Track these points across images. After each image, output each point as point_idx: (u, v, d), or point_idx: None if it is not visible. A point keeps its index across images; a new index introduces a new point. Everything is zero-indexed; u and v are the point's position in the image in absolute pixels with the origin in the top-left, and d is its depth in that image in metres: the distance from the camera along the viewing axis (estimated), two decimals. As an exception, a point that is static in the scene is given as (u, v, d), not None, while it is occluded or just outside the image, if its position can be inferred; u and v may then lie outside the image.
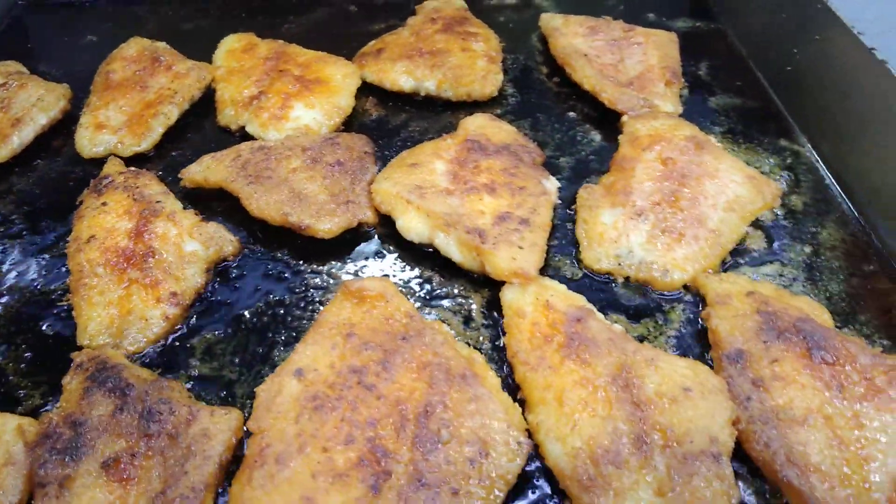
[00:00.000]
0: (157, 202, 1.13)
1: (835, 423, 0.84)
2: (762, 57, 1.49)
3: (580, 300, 0.99)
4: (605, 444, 0.83)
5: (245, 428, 0.87)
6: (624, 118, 1.32)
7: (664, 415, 0.85)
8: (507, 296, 1.01)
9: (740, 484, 0.84)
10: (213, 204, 1.21)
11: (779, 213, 1.17)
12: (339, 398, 0.86)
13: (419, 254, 1.13)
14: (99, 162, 1.27)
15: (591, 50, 1.47)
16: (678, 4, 1.70)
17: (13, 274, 1.10)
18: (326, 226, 1.12)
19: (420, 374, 0.89)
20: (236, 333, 1.02)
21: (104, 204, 1.13)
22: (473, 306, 1.05)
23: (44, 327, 1.03)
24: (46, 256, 1.13)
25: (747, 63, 1.51)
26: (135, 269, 1.04)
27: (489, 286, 1.06)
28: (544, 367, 0.91)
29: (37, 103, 1.34)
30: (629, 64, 1.45)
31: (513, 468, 0.82)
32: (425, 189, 1.14)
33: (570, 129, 1.37)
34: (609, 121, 1.35)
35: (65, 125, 1.38)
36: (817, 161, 1.27)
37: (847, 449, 0.82)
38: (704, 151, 1.20)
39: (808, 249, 1.12)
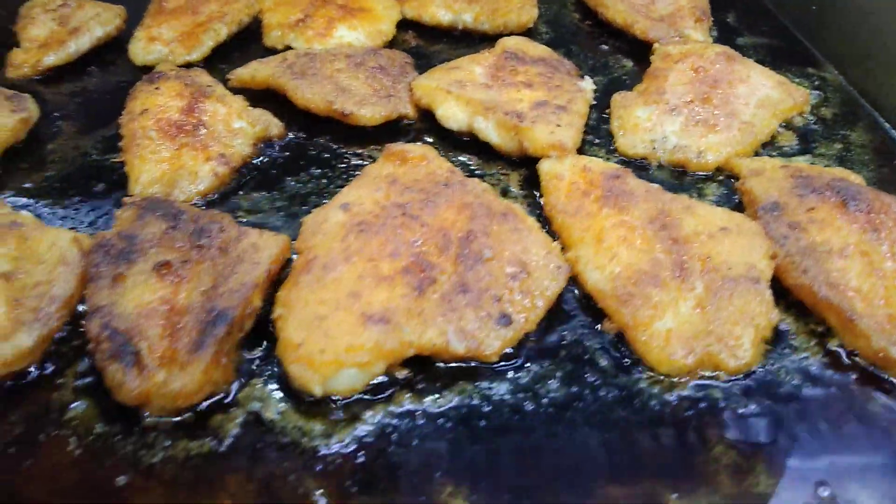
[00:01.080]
0: (208, 86, 1.18)
1: (871, 257, 0.85)
2: (787, 4, 1.54)
3: (616, 165, 1.02)
4: (645, 268, 0.85)
5: (292, 249, 0.89)
6: (655, 45, 1.36)
7: (703, 248, 0.87)
8: (545, 166, 1.04)
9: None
10: (258, 102, 1.25)
11: (810, 118, 1.20)
12: (384, 224, 0.88)
13: (457, 143, 1.16)
14: (150, 71, 1.32)
15: (622, -8, 1.53)
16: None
17: (70, 144, 1.14)
18: (368, 112, 1.16)
19: (462, 211, 0.91)
20: (281, 196, 1.05)
21: (157, 88, 1.17)
22: (510, 182, 1.08)
23: (97, 187, 1.06)
24: (99, 133, 1.17)
25: (772, 12, 1.57)
26: (186, 136, 1.08)
27: (526, 166, 1.09)
28: (582, 214, 0.94)
29: (94, 17, 1.41)
30: (660, 5, 1.50)
31: (553, 287, 0.84)
32: (465, 83, 1.18)
33: (603, 57, 1.42)
34: (641, 52, 1.39)
35: (118, 45, 1.43)
36: (844, 83, 1.31)
37: (885, 276, 0.83)
38: (735, 62, 1.24)
39: (838, 146, 1.14)
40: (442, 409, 0.74)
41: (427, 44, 1.47)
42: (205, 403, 0.74)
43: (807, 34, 1.46)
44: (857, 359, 0.80)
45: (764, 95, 1.16)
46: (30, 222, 0.89)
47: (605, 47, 1.45)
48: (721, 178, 1.08)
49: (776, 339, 0.82)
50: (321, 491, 0.67)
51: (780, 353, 0.81)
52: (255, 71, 1.25)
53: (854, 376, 0.78)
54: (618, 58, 1.42)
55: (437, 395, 0.76)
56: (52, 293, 0.79)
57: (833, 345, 0.82)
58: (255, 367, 0.79)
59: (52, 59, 1.33)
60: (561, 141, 1.05)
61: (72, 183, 1.06)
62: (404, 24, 1.50)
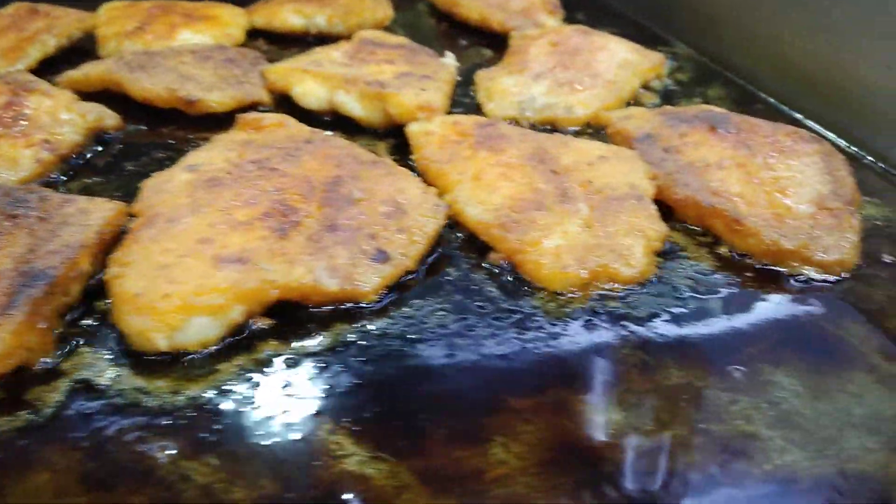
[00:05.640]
0: (31, 83, 1.05)
1: (748, 168, 0.84)
2: (632, 2, 1.61)
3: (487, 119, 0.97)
4: (527, 197, 0.79)
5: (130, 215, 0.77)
6: (513, 33, 1.36)
7: (583, 174, 0.83)
8: (414, 127, 0.98)
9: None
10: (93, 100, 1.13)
11: (668, 81, 1.22)
12: (238, 178, 0.78)
13: (319, 124, 1.08)
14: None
15: (475, -6, 1.54)
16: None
17: None
18: (217, 97, 1.07)
19: (327, 161, 0.83)
20: (118, 178, 0.93)
21: (-31, 88, 1.03)
22: (379, 151, 1.01)
23: None
24: None
25: (619, 9, 1.62)
26: (2, 128, 0.94)
27: (394, 136, 1.03)
28: (458, 160, 0.88)
29: None
30: (513, 2, 1.52)
31: (432, 224, 0.76)
32: (322, 62, 1.12)
33: (463, 50, 1.40)
34: (499, 43, 1.39)
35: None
36: (695, 54, 1.35)
37: (763, 183, 0.82)
38: (592, 34, 1.25)
39: (698, 100, 1.16)
40: (314, 349, 0.64)
41: (280, 48, 1.40)
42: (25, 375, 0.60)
43: (656, 23, 1.51)
44: (747, 260, 0.77)
45: (623, 58, 1.17)
46: None
47: (463, 42, 1.45)
48: (590, 131, 1.05)
49: (667, 253, 0.78)
50: (167, 446, 0.54)
51: (671, 264, 0.77)
52: (87, 70, 1.14)
53: (748, 274, 0.75)
54: (477, 49, 1.41)
55: (307, 339, 0.65)
56: None
57: (722, 251, 0.79)
58: (84, 337, 0.65)
59: None
60: (429, 101, 1.00)
61: None
62: (254, 33, 1.44)
